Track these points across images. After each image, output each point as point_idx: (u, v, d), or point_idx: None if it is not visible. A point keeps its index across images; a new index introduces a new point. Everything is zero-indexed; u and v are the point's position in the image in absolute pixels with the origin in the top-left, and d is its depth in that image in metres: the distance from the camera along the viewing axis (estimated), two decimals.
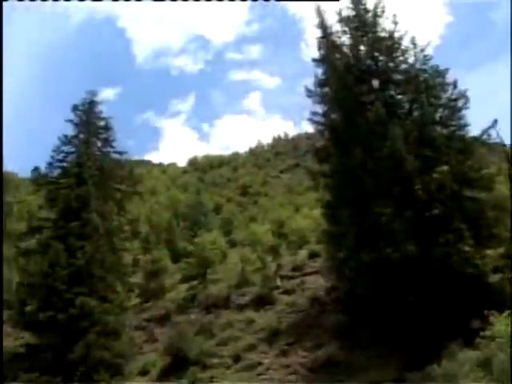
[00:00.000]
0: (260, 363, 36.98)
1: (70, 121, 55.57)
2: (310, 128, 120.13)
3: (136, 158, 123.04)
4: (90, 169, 48.69)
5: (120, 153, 57.22)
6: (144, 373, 40.13)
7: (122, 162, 58.32)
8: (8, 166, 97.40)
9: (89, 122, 55.98)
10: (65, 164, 53.34)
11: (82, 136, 55.32)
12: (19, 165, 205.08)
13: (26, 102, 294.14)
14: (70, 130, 55.16)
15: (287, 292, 45.45)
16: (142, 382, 36.93)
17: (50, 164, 53.65)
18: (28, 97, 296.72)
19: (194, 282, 53.99)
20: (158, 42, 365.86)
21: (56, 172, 53.43)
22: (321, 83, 39.16)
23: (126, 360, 39.84)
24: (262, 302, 44.92)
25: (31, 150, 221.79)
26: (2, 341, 30.87)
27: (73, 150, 54.05)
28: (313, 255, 50.46)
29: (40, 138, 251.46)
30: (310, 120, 39.71)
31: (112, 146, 56.93)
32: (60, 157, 53.88)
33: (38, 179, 54.44)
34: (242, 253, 56.19)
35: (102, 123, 56.98)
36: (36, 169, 53.67)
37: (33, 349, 35.42)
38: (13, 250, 59.23)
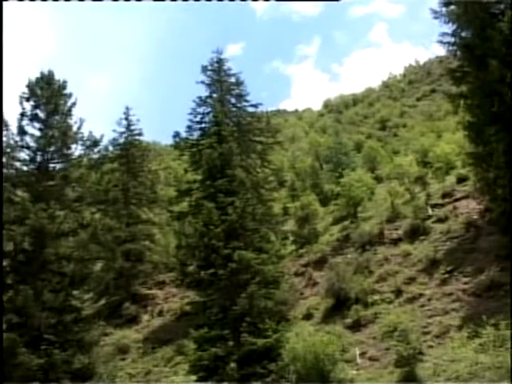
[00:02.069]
0: (421, 294, 36.87)
1: (202, 82, 56.75)
2: (441, 50, 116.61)
3: (271, 108, 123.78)
4: (228, 126, 49.49)
5: (255, 106, 57.95)
6: (308, 316, 40.93)
7: (257, 114, 59.00)
8: (149, 137, 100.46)
9: (220, 81, 56.96)
10: (203, 125, 54.64)
11: (215, 95, 56.40)
12: (160, 133, 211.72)
13: (156, 73, 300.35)
14: (203, 91, 56.43)
15: (440, 220, 44.71)
16: (307, 326, 37.59)
17: (188, 127, 55.19)
18: (158, 67, 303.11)
19: (346, 222, 54.04)
20: None
21: (196, 134, 54.87)
22: (446, 2, 37.79)
23: (288, 306, 40.69)
24: (415, 233, 44.48)
25: (169, 118, 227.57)
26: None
27: (209, 110, 55.21)
28: (461, 180, 49.30)
29: (175, 103, 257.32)
30: (440, 42, 38.45)
31: (246, 101, 57.69)
32: (197, 119, 55.27)
33: (180, 144, 56.05)
34: (389, 187, 55.55)
35: (232, 79, 57.80)
36: (176, 134, 55.19)
37: (199, 306, 36.71)
38: (165, 215, 61.76)
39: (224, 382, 32.80)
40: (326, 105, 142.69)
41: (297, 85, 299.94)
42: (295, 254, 52.55)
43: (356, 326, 36.94)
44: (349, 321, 37.68)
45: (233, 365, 32.35)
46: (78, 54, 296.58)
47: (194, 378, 35.40)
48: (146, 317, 53.63)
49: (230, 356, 32.32)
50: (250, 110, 57.88)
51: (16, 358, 31.63)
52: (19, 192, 37.63)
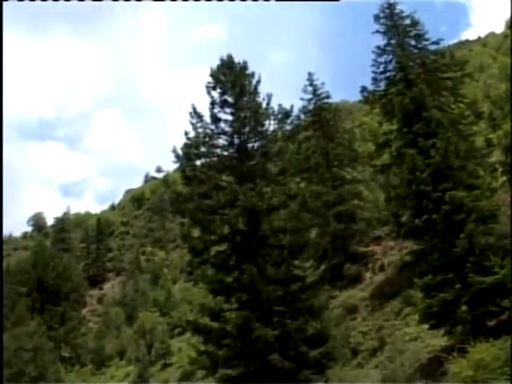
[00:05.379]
0: None
1: (377, 31, 55.96)
2: None
3: (453, 41, 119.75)
4: (414, 69, 48.51)
5: (436, 43, 56.35)
6: None
7: (440, 50, 57.35)
8: (337, 98, 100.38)
9: (395, 26, 55.83)
10: (388, 74, 54.04)
11: (393, 41, 55.41)
12: (347, 91, 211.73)
13: (329, 34, 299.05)
14: (380, 41, 55.69)
15: None
16: None
17: (374, 79, 54.83)
18: (329, 29, 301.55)
19: None
20: None
21: (382, 84, 54.37)
22: None
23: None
24: None
25: (353, 74, 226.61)
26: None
27: (390, 57, 54.43)
28: None
29: (355, 58, 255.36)
30: None
31: (426, 39, 56.17)
32: (381, 69, 54.68)
33: (369, 97, 55.76)
34: None
35: (407, 22, 56.44)
36: (364, 88, 54.97)
37: (418, 254, 36.48)
38: (368, 171, 61.82)
39: (458, 326, 32.54)
40: (509, 24, 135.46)
41: (475, 10, 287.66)
42: (507, 185, 50.70)
43: None
44: None
45: (464, 307, 31.90)
46: (249, 34, 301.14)
47: (426, 326, 35.43)
48: (368, 274, 54.05)
49: (460, 299, 31.88)
50: (432, 47, 56.26)
51: (252, 333, 32.97)
52: (224, 177, 38.95)
